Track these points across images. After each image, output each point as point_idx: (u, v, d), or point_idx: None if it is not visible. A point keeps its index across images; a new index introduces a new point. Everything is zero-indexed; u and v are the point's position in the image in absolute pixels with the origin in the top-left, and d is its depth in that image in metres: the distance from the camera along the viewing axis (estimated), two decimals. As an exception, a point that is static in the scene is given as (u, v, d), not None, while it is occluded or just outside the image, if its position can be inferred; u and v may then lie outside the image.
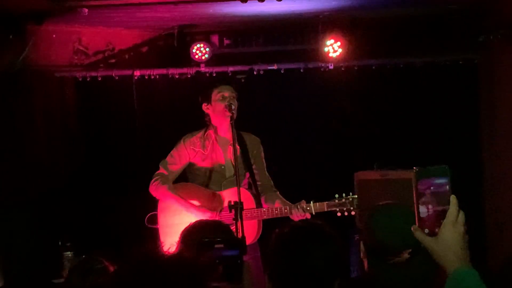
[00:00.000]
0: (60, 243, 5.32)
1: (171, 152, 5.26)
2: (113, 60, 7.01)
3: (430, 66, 6.75)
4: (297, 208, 4.97)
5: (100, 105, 6.91)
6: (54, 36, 6.47)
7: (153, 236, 5.17)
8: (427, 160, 6.63)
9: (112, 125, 6.89)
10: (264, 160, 5.35)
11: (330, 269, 2.45)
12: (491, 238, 6.53)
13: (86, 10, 5.71)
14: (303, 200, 5.02)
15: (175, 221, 4.95)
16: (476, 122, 6.76)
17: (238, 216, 4.42)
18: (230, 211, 4.62)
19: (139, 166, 6.58)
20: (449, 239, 1.84)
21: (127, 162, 6.76)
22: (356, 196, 5.08)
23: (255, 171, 5.26)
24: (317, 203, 5.00)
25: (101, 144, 6.87)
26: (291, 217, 4.98)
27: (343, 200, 5.04)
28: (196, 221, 3.24)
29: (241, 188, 5.00)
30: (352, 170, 6.28)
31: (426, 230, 1.86)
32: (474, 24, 6.51)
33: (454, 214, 1.86)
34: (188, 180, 5.30)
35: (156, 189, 5.15)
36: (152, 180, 5.19)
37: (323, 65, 6.77)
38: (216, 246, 2.20)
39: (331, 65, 6.75)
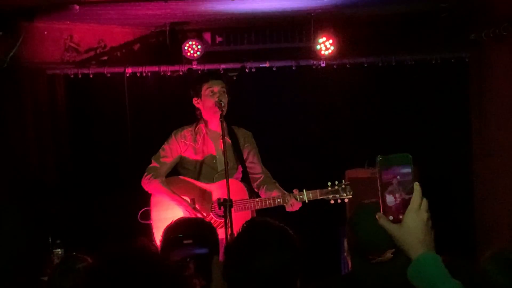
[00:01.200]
0: (50, 240, 5.32)
1: (162, 146, 5.28)
2: (104, 57, 7.00)
3: (421, 63, 6.76)
4: (290, 196, 5.01)
5: (92, 102, 6.90)
6: (45, 33, 6.46)
7: (145, 232, 5.16)
8: (418, 156, 6.65)
9: (104, 122, 6.88)
10: (258, 153, 5.38)
11: (287, 271, 2.39)
12: (480, 236, 6.55)
13: (77, 7, 5.70)
14: (296, 189, 5.06)
15: (168, 215, 4.94)
16: (467, 119, 6.77)
17: (228, 213, 4.42)
18: (220, 208, 4.64)
19: (130, 163, 6.58)
20: (412, 226, 1.87)
21: (118, 159, 6.76)
22: (348, 183, 5.09)
23: (251, 165, 5.29)
24: (310, 192, 5.05)
25: (92, 141, 6.86)
26: (285, 205, 5.03)
27: (336, 187, 5.08)
28: (178, 218, 3.24)
29: (233, 179, 5.08)
30: (343, 168, 6.32)
31: (391, 217, 1.88)
32: (465, 22, 6.52)
33: (417, 201, 1.89)
34: (180, 174, 5.31)
35: (148, 183, 5.16)
36: (145, 174, 5.20)
37: (315, 62, 6.78)
38: (185, 242, 2.19)
39: (323, 63, 6.76)
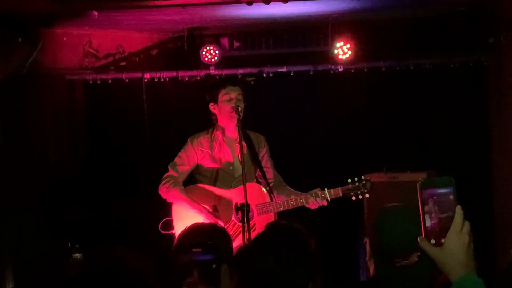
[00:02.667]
0: (69, 245, 5.35)
1: (179, 153, 5.26)
2: (123, 63, 7.03)
3: (439, 67, 6.73)
4: (313, 196, 5.00)
5: (110, 108, 6.93)
6: (64, 39, 6.50)
7: (162, 236, 5.16)
8: (436, 160, 6.63)
9: (122, 127, 6.91)
10: (271, 157, 5.38)
11: (293, 269, 2.36)
12: (500, 239, 6.50)
13: (96, 13, 5.74)
14: (318, 188, 5.05)
15: (189, 224, 4.94)
16: (485, 123, 6.74)
17: (245, 218, 4.42)
18: (237, 214, 4.64)
19: (148, 168, 6.60)
20: (454, 249, 1.86)
21: (136, 164, 6.78)
22: (369, 178, 5.08)
23: (264, 169, 5.28)
24: (332, 190, 5.03)
25: (111, 146, 6.89)
26: (307, 205, 5.04)
27: (356, 183, 5.07)
28: (191, 225, 3.24)
29: (254, 183, 5.12)
30: (361, 172, 6.29)
31: (433, 241, 1.88)
32: (483, 26, 6.48)
33: (459, 224, 1.87)
34: (196, 180, 5.30)
35: (167, 191, 5.12)
36: (162, 182, 5.16)
37: (332, 67, 6.76)
38: (194, 250, 2.19)
39: (340, 67, 6.74)
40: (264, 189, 5.15)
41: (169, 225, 5.15)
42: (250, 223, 4.80)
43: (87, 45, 6.78)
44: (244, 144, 5.08)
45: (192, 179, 5.34)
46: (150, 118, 6.88)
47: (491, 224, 6.60)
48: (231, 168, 5.20)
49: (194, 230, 3.09)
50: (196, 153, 5.21)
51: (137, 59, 7.09)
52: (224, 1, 5.47)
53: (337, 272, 4.84)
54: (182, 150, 5.26)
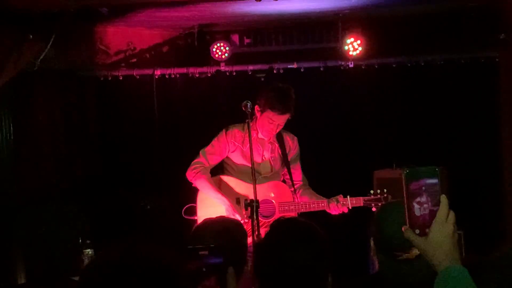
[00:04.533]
0: (80, 240, 5.36)
1: (212, 142, 5.27)
2: (134, 60, 7.05)
3: (450, 63, 6.72)
4: (335, 202, 5.08)
5: (121, 104, 6.96)
6: (75, 35, 6.52)
7: (173, 234, 5.18)
8: (446, 157, 6.61)
9: (133, 123, 6.93)
10: (300, 159, 5.45)
11: (318, 265, 2.40)
12: (510, 235, 6.48)
13: (106, 10, 5.76)
14: (340, 195, 5.14)
15: (212, 212, 4.99)
16: (496, 119, 6.71)
17: (255, 214, 4.44)
18: (246, 209, 4.67)
19: (159, 164, 6.62)
20: (438, 239, 1.87)
21: (147, 160, 6.80)
22: (390, 195, 5.19)
23: (293, 170, 5.34)
24: (354, 198, 5.14)
25: (122, 143, 6.92)
26: (328, 210, 5.12)
27: (378, 196, 5.16)
28: (203, 221, 3.24)
29: (279, 182, 5.25)
30: (371, 168, 6.31)
31: (417, 231, 1.89)
32: (494, 22, 6.46)
33: (444, 214, 1.88)
34: (224, 171, 5.35)
35: (195, 177, 5.17)
36: (192, 167, 5.20)
37: (343, 63, 6.76)
38: (201, 253, 2.18)
39: (351, 64, 6.74)
40: (289, 189, 5.25)
41: (192, 211, 5.22)
42: (271, 220, 4.98)
43: (98, 42, 6.81)
44: (276, 145, 5.22)
45: (220, 166, 5.39)
46: (161, 114, 6.89)
47: (502, 220, 6.58)
48: (258, 166, 5.24)
49: (209, 226, 3.08)
50: (229, 144, 5.24)
51: (147, 56, 7.11)
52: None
53: (346, 268, 4.84)
54: (215, 139, 5.27)
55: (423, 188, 1.88)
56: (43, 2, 5.34)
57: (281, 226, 2.54)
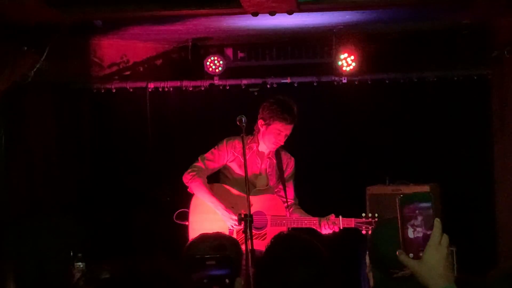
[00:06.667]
0: (71, 253, 5.33)
1: (212, 149, 5.33)
2: (127, 72, 7.05)
3: (443, 80, 6.74)
4: (326, 221, 5.12)
5: (114, 117, 6.95)
6: (69, 48, 6.52)
7: (165, 247, 5.18)
8: (439, 173, 6.62)
9: (126, 136, 6.92)
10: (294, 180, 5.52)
11: (319, 283, 2.41)
12: (502, 250, 6.50)
13: (101, 22, 5.76)
14: (332, 214, 5.18)
15: (204, 218, 5.11)
16: (488, 136, 6.73)
17: (248, 228, 4.45)
18: (239, 224, 4.68)
19: (152, 177, 6.61)
20: (432, 262, 1.90)
21: (140, 173, 6.79)
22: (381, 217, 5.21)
23: (287, 188, 5.41)
24: (345, 219, 5.17)
25: (115, 156, 6.90)
26: (318, 230, 5.16)
27: (370, 219, 5.20)
28: (198, 235, 3.23)
29: (274, 195, 5.31)
30: (364, 184, 6.31)
31: (411, 255, 1.92)
32: (487, 39, 6.50)
33: (437, 237, 1.91)
34: (220, 179, 5.40)
35: (191, 179, 5.21)
36: (189, 170, 5.26)
37: (336, 79, 6.77)
38: (208, 263, 2.17)
39: (344, 79, 6.75)
40: (283, 204, 5.30)
41: (184, 216, 5.23)
42: (262, 232, 5.09)
43: (91, 54, 6.81)
44: (274, 160, 5.31)
45: (216, 175, 5.43)
46: (154, 127, 6.89)
47: (494, 235, 6.59)
48: (255, 178, 5.31)
49: (207, 241, 3.07)
50: (228, 154, 5.30)
51: (141, 69, 7.11)
52: (229, 12, 5.48)
53: (340, 284, 4.84)
54: (215, 147, 5.34)
55: (417, 211, 1.92)
56: (37, 14, 5.33)
57: (283, 242, 2.54)
